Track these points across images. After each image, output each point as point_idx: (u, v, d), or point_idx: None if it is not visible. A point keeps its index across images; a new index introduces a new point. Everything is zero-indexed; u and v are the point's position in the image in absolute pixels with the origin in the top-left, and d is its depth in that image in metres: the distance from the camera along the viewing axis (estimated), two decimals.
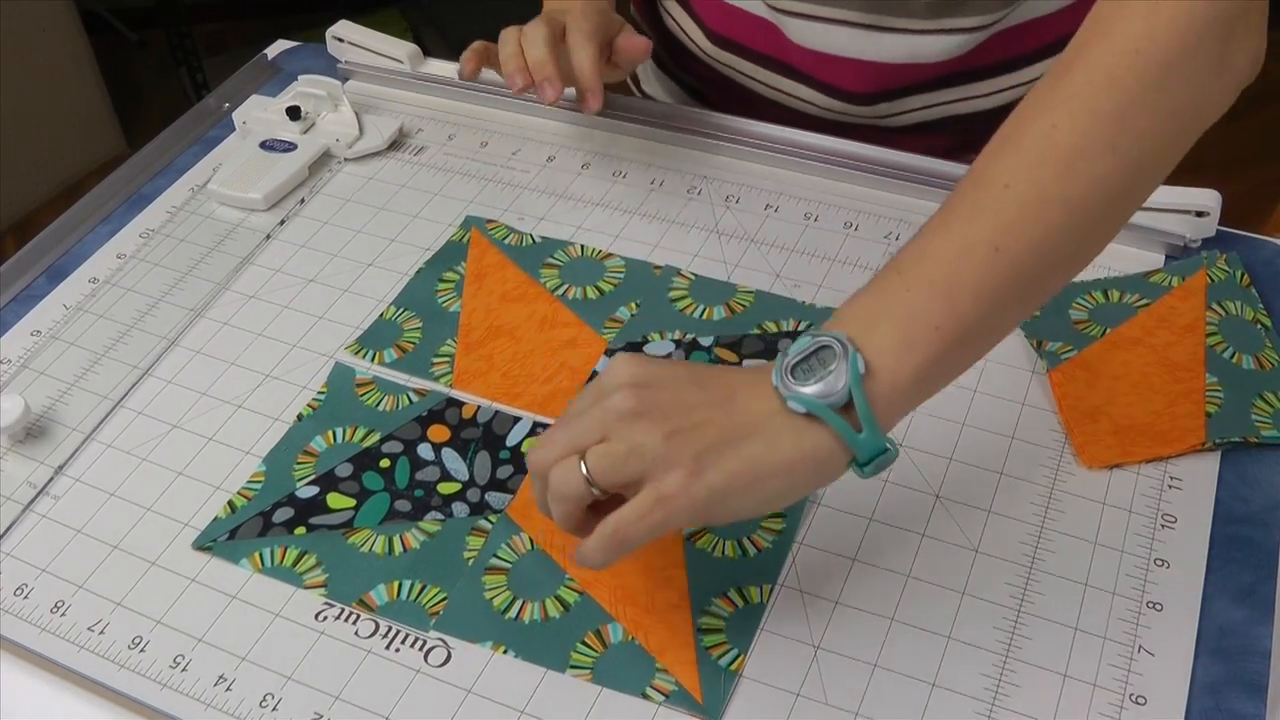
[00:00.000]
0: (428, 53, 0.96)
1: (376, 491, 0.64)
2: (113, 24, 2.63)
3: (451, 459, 0.66)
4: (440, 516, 0.63)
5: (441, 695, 0.56)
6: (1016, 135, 0.52)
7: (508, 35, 0.80)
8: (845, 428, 0.49)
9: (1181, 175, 0.76)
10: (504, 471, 0.65)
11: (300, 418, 0.69)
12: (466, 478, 0.64)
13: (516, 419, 0.68)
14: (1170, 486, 0.63)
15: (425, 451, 0.66)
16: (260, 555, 0.62)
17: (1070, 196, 0.50)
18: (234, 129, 0.90)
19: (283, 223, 0.83)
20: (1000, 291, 0.50)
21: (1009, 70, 0.83)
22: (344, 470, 0.65)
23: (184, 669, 0.58)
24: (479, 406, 0.68)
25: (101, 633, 0.59)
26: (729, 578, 0.59)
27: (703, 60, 0.91)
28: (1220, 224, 0.75)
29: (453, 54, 0.96)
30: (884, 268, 0.52)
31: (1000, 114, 0.85)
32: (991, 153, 0.52)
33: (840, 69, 0.83)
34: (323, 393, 0.70)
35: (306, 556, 0.61)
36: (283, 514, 0.63)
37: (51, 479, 0.67)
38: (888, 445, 0.50)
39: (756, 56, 0.87)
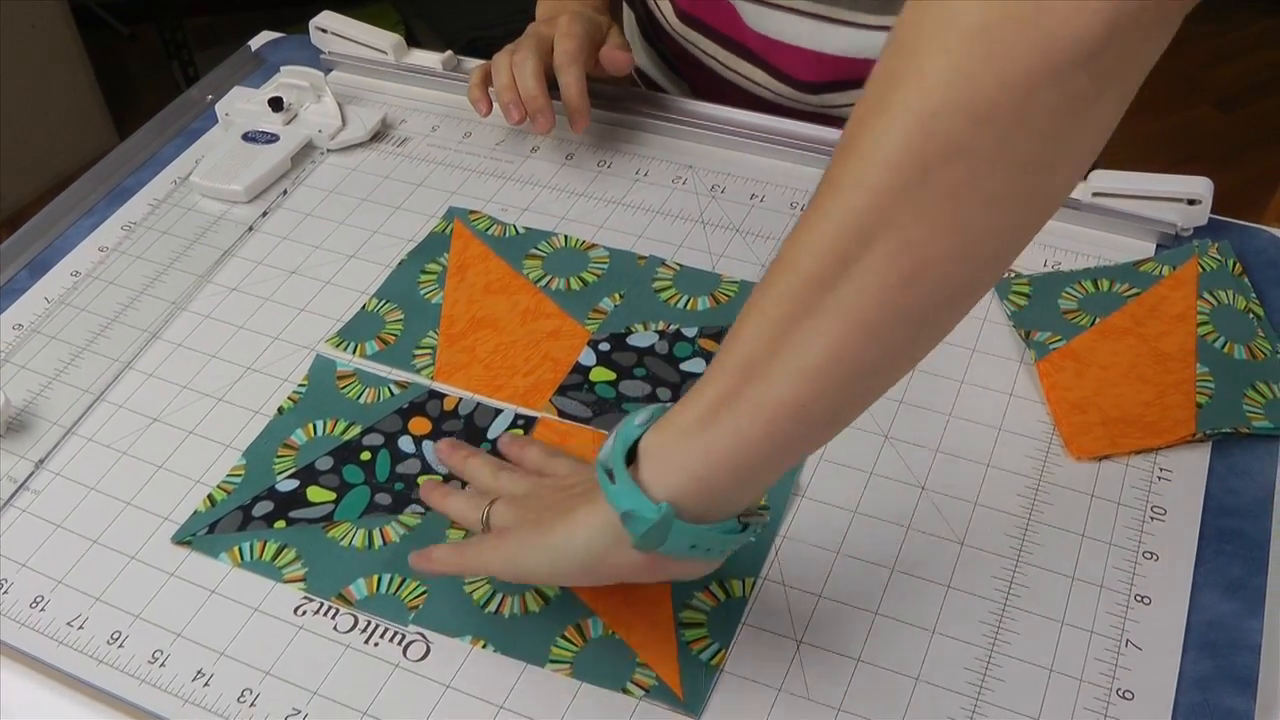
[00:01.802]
0: (419, 45, 0.95)
1: (357, 485, 0.64)
2: (104, 18, 2.62)
3: (433, 451, 0.65)
4: (420, 510, 0.62)
5: (421, 690, 0.55)
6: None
7: (500, 64, 0.82)
8: (606, 486, 0.48)
9: (1176, 165, 0.76)
10: None
11: (281, 411, 0.68)
12: (447, 470, 0.64)
13: (498, 411, 0.67)
14: (1160, 478, 0.62)
15: (406, 444, 0.66)
16: (240, 549, 0.61)
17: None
18: (217, 121, 0.90)
19: (265, 215, 0.82)
20: (788, 363, 0.44)
21: None
22: (324, 463, 0.65)
23: (162, 664, 0.57)
24: (460, 399, 0.68)
25: (80, 628, 0.59)
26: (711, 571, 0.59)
27: (670, 35, 0.93)
28: (1213, 214, 0.75)
29: (443, 46, 0.95)
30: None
31: None
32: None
33: (791, 57, 0.84)
34: (303, 385, 0.69)
35: (286, 550, 0.61)
36: (262, 507, 0.63)
37: (32, 473, 0.66)
38: (656, 509, 0.46)
39: (717, 36, 0.88)
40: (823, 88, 0.84)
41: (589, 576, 0.52)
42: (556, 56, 0.80)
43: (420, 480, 0.64)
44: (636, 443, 0.48)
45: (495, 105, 0.83)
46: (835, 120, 0.87)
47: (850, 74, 0.83)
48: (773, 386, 0.44)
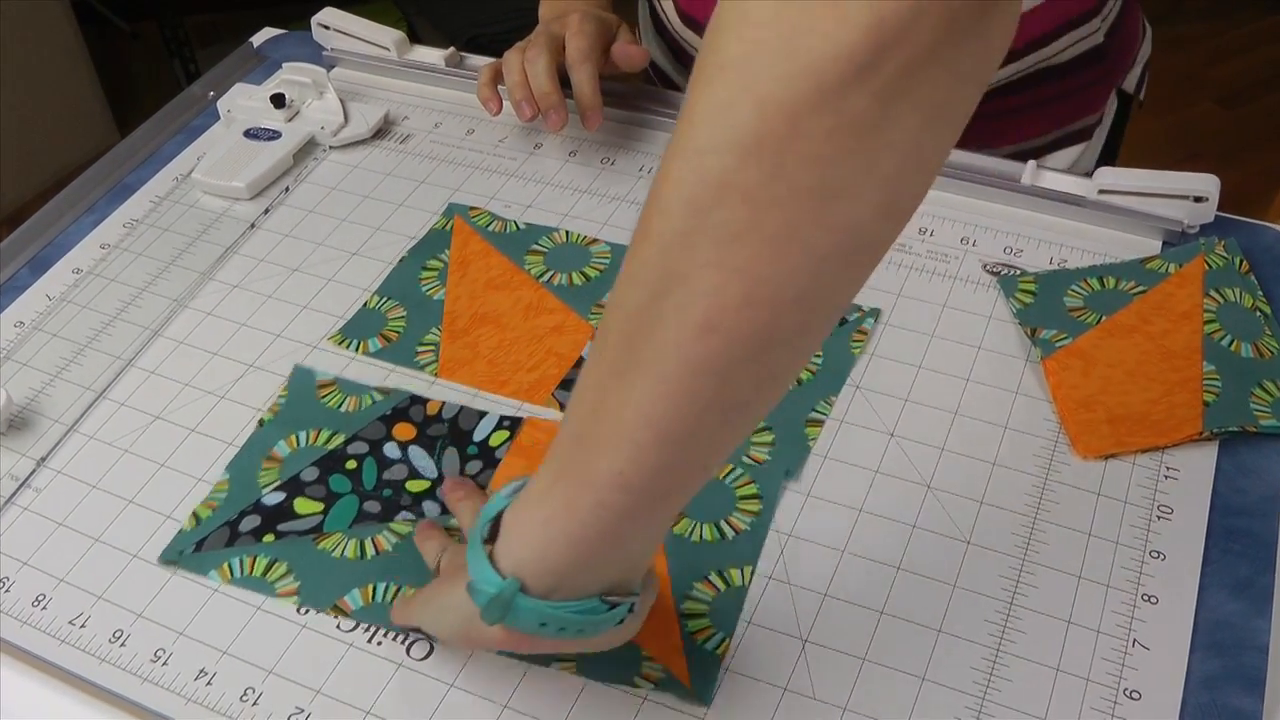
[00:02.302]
0: (420, 41, 0.95)
1: (344, 494, 0.63)
2: (105, 15, 2.61)
3: (419, 457, 0.64)
4: (411, 516, 0.62)
5: (424, 689, 0.55)
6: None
7: (512, 61, 0.81)
8: (470, 550, 0.47)
9: (1178, 163, 0.75)
10: (473, 467, 0.64)
11: (261, 423, 0.67)
12: (435, 475, 0.63)
13: (483, 414, 0.67)
14: (1166, 477, 0.62)
15: (392, 451, 0.65)
16: (229, 566, 0.60)
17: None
18: (219, 118, 0.89)
19: (267, 211, 0.82)
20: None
21: None
22: (310, 474, 0.64)
23: (165, 663, 0.57)
24: (444, 403, 0.67)
25: (83, 626, 0.59)
26: (709, 562, 0.59)
27: (671, 33, 0.92)
28: (1219, 211, 0.74)
29: (444, 43, 0.95)
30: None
31: None
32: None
33: None
34: (283, 396, 0.68)
35: (277, 565, 0.60)
36: (249, 522, 0.62)
37: (34, 471, 0.66)
38: (495, 585, 0.45)
39: None
40: None
41: (466, 642, 0.52)
42: (569, 54, 0.80)
43: (409, 486, 0.63)
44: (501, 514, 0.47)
45: (506, 103, 0.83)
46: None
47: None
48: (594, 454, 0.42)
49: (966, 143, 0.80)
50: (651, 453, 0.41)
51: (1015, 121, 0.87)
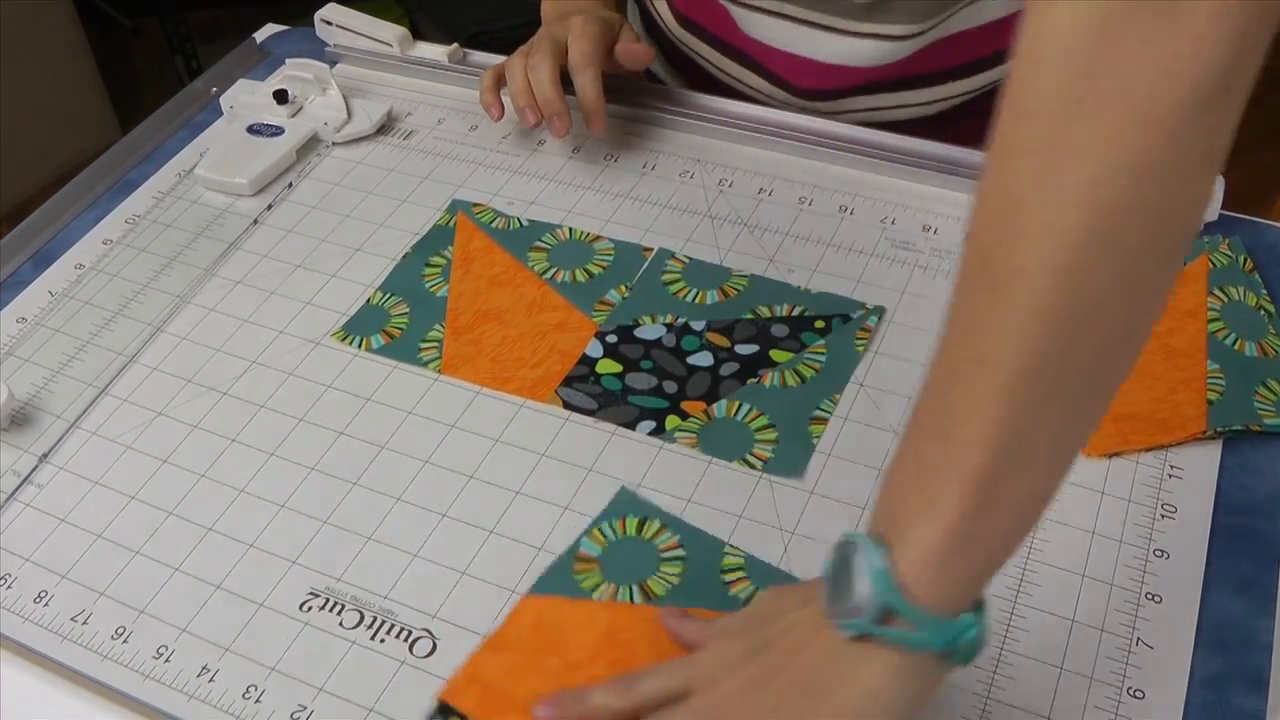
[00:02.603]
0: (422, 37, 0.95)
1: None
2: (107, 12, 2.61)
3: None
4: None
5: (427, 687, 0.55)
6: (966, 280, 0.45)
7: (515, 67, 0.81)
8: (900, 635, 0.43)
9: None
10: None
11: None
12: None
13: None
14: (1170, 475, 0.62)
15: None
16: None
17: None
18: (221, 113, 0.89)
19: (270, 207, 0.82)
20: (1024, 446, 0.43)
21: (942, 81, 0.84)
22: None
23: (167, 660, 0.57)
24: None
25: (84, 623, 0.59)
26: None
27: (668, 38, 0.92)
28: (1223, 209, 0.74)
29: (447, 39, 0.95)
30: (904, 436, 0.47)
31: (935, 122, 0.86)
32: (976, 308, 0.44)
33: (784, 62, 0.83)
34: None
35: None
36: None
37: (36, 467, 0.66)
38: (968, 623, 0.43)
39: (714, 41, 0.87)
40: (815, 94, 0.83)
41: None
42: (572, 58, 0.80)
43: None
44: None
45: (508, 107, 0.82)
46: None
47: (839, 81, 0.82)
48: (1020, 483, 0.43)
49: (968, 142, 0.80)
50: (1065, 468, 0.44)
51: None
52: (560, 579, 0.58)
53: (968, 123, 0.86)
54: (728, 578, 0.58)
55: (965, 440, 0.42)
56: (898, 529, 0.44)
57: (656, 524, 0.60)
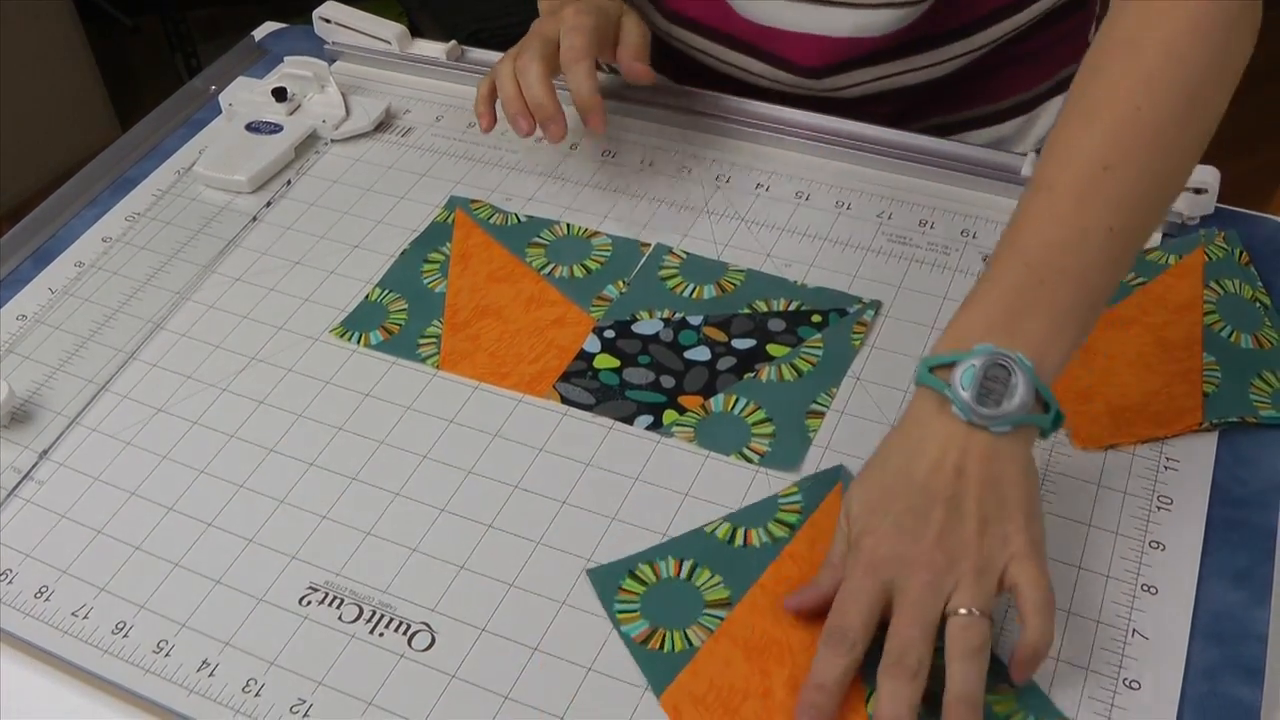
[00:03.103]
0: (421, 35, 0.95)
1: None
2: (107, 10, 2.61)
3: None
4: None
5: (426, 680, 0.55)
6: (1099, 115, 0.56)
7: (504, 71, 0.77)
8: (1043, 420, 0.54)
9: None
10: None
11: None
12: None
13: None
14: (1166, 468, 0.62)
15: None
16: None
17: (1161, 170, 0.57)
18: (220, 111, 0.90)
19: (269, 205, 0.82)
20: (1118, 264, 0.56)
21: (950, 41, 0.82)
22: None
23: (167, 654, 0.57)
24: None
25: (85, 618, 0.59)
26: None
27: (656, 35, 0.90)
28: (1220, 203, 0.74)
29: (446, 37, 0.95)
30: (1002, 264, 0.56)
31: (944, 84, 0.85)
32: (1074, 134, 0.57)
33: (789, 43, 0.82)
34: None
35: None
36: None
37: (36, 464, 0.66)
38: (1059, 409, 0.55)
39: (708, 31, 0.86)
40: (823, 72, 0.83)
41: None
42: (563, 54, 0.75)
43: None
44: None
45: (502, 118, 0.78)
46: (835, 104, 0.86)
47: (850, 53, 0.82)
48: (1112, 286, 0.57)
49: (975, 101, 0.79)
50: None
51: (1017, 72, 0.87)
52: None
53: (971, 85, 0.86)
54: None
55: (1093, 287, 0.55)
56: (1031, 345, 0.54)
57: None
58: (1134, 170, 0.56)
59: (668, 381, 0.67)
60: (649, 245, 0.76)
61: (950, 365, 0.54)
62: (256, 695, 0.55)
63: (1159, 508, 0.60)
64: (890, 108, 0.87)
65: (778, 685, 0.54)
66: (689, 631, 0.56)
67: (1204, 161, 0.73)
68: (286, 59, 0.89)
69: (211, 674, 0.56)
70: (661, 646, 0.55)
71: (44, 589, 0.60)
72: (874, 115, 0.84)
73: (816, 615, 0.55)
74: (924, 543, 0.52)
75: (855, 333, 0.69)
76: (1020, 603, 0.52)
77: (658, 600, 0.57)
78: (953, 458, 0.53)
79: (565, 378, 0.68)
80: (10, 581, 0.61)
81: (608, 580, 0.58)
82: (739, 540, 0.59)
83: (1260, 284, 0.70)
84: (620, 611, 0.57)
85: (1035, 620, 0.51)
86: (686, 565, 0.58)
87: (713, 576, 0.58)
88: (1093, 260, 0.55)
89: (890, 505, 0.53)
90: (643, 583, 0.58)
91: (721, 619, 0.56)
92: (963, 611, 0.51)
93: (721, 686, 0.54)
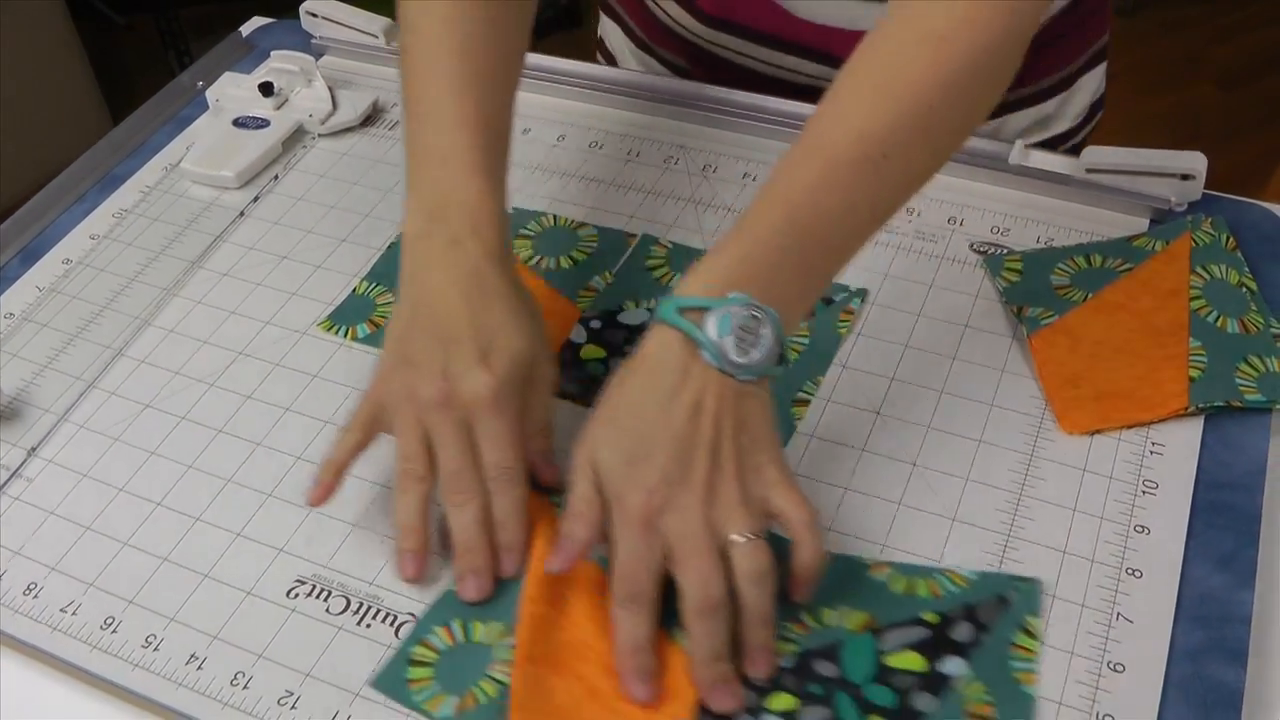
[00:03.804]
0: None
1: None
2: (99, 9, 2.61)
3: None
4: None
5: None
6: (896, 99, 0.57)
7: (413, 502, 0.59)
8: (778, 370, 0.57)
9: (1177, 145, 0.75)
10: None
11: None
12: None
13: None
14: (1152, 452, 0.62)
15: None
16: None
17: (928, 167, 0.60)
18: (207, 107, 0.90)
19: (256, 200, 0.82)
20: (865, 239, 0.59)
21: None
22: None
23: (156, 649, 0.57)
24: None
25: (74, 614, 0.59)
26: None
27: (691, 41, 0.89)
28: (1210, 190, 0.74)
29: None
30: (769, 217, 0.56)
31: None
32: (867, 108, 0.58)
33: (848, 41, 0.80)
34: None
35: None
36: None
37: (24, 461, 0.66)
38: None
39: (758, 36, 0.85)
40: None
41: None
42: (497, 504, 0.59)
43: None
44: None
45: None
46: None
47: None
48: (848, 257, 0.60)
49: (1021, 82, 0.80)
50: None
51: (1055, 50, 0.86)
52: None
53: (1029, 60, 0.85)
54: None
55: (843, 256, 0.59)
56: (782, 302, 0.55)
57: None
58: (908, 163, 0.58)
59: None
60: (635, 236, 0.76)
61: (702, 309, 0.54)
62: (245, 688, 0.55)
63: (1144, 492, 0.60)
64: None
65: (596, 677, 0.54)
66: (492, 674, 0.55)
67: (1197, 146, 0.74)
68: (273, 54, 0.89)
69: (200, 667, 0.56)
70: (477, 702, 0.54)
71: (33, 585, 0.60)
72: None
73: (589, 588, 0.57)
74: (694, 489, 0.53)
75: (842, 321, 0.69)
76: (788, 525, 0.54)
77: (448, 670, 0.55)
78: (709, 404, 0.54)
79: None
80: None
81: (394, 683, 0.55)
82: None
83: (1247, 269, 0.70)
84: (424, 701, 0.54)
85: (806, 537, 0.54)
86: (456, 627, 0.57)
87: (483, 621, 0.57)
88: (851, 232, 0.58)
89: (652, 456, 0.53)
90: (425, 664, 0.56)
91: (511, 647, 0.55)
92: (741, 539, 0.53)
93: (551, 709, 0.53)
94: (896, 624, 0.55)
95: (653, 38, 0.94)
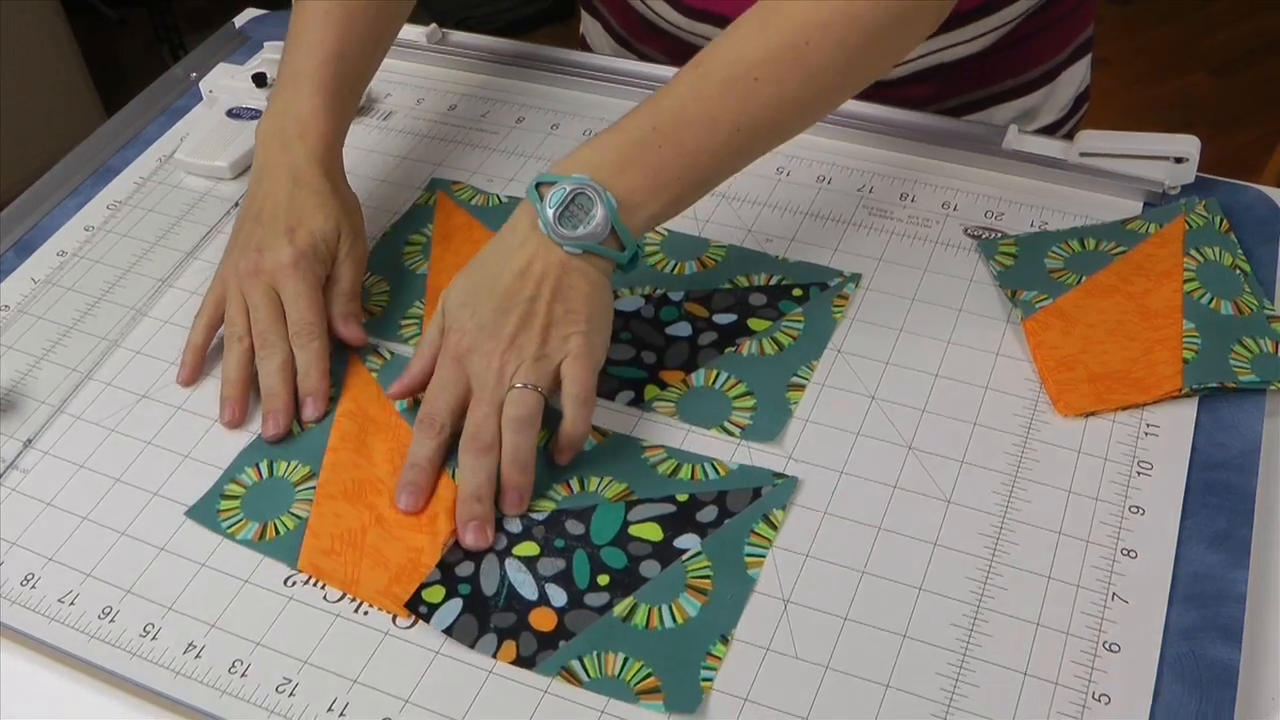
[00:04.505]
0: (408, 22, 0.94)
1: None
2: (93, 3, 2.61)
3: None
4: None
5: (410, 657, 0.56)
6: (773, 30, 0.62)
7: (232, 352, 0.68)
8: (614, 253, 0.62)
9: (1173, 131, 0.75)
10: None
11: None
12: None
13: None
14: (1146, 433, 0.62)
15: None
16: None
17: (801, 100, 0.63)
18: (201, 98, 0.89)
19: None
20: (729, 160, 0.64)
21: (985, 14, 0.82)
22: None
23: (154, 637, 0.57)
24: None
25: (71, 604, 0.59)
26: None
27: (673, 35, 0.89)
28: (1203, 173, 0.74)
29: (429, 20, 0.95)
30: (636, 118, 0.63)
31: (978, 59, 0.85)
32: (746, 37, 0.63)
33: None
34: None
35: None
36: None
37: (21, 453, 0.66)
38: (639, 248, 0.64)
39: None
40: None
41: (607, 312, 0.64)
42: (292, 329, 0.67)
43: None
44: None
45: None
46: (874, 87, 0.85)
47: None
48: (721, 173, 0.65)
49: (1007, 74, 0.81)
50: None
51: (1041, 42, 0.87)
52: None
53: (1001, 58, 0.86)
54: None
55: (701, 168, 0.63)
56: (629, 188, 0.61)
57: None
58: (779, 90, 0.62)
59: (649, 357, 0.67)
60: None
61: (550, 184, 0.61)
62: (243, 676, 0.55)
63: (1139, 473, 0.60)
64: (929, 87, 0.87)
65: (383, 508, 0.61)
66: (293, 511, 0.62)
67: (1192, 133, 0.74)
68: (267, 44, 0.89)
69: (198, 656, 0.56)
70: (277, 534, 0.61)
71: (30, 576, 0.60)
72: (910, 95, 0.84)
73: (391, 436, 0.64)
74: (500, 338, 0.60)
75: (836, 306, 0.69)
76: (564, 395, 0.61)
77: (252, 503, 0.62)
78: (536, 268, 0.61)
79: None
80: None
81: (206, 513, 0.62)
82: (296, 429, 0.66)
83: (1240, 251, 0.70)
84: (228, 527, 0.61)
85: (572, 411, 0.61)
86: (264, 466, 0.64)
87: (289, 463, 0.64)
88: (708, 146, 0.62)
89: (478, 304, 0.61)
90: (234, 497, 0.63)
91: (313, 488, 0.62)
92: (518, 386, 0.60)
93: (339, 533, 0.60)
94: (650, 499, 0.61)
95: (634, 34, 0.94)
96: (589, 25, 0.99)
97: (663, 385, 0.66)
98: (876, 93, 0.82)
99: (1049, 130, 0.92)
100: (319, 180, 0.70)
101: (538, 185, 0.61)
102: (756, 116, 0.62)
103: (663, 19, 0.88)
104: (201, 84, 0.89)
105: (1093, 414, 0.63)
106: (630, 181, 0.61)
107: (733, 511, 0.59)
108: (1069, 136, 0.90)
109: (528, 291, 0.61)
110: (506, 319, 0.61)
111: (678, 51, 0.90)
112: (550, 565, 0.58)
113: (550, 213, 0.60)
